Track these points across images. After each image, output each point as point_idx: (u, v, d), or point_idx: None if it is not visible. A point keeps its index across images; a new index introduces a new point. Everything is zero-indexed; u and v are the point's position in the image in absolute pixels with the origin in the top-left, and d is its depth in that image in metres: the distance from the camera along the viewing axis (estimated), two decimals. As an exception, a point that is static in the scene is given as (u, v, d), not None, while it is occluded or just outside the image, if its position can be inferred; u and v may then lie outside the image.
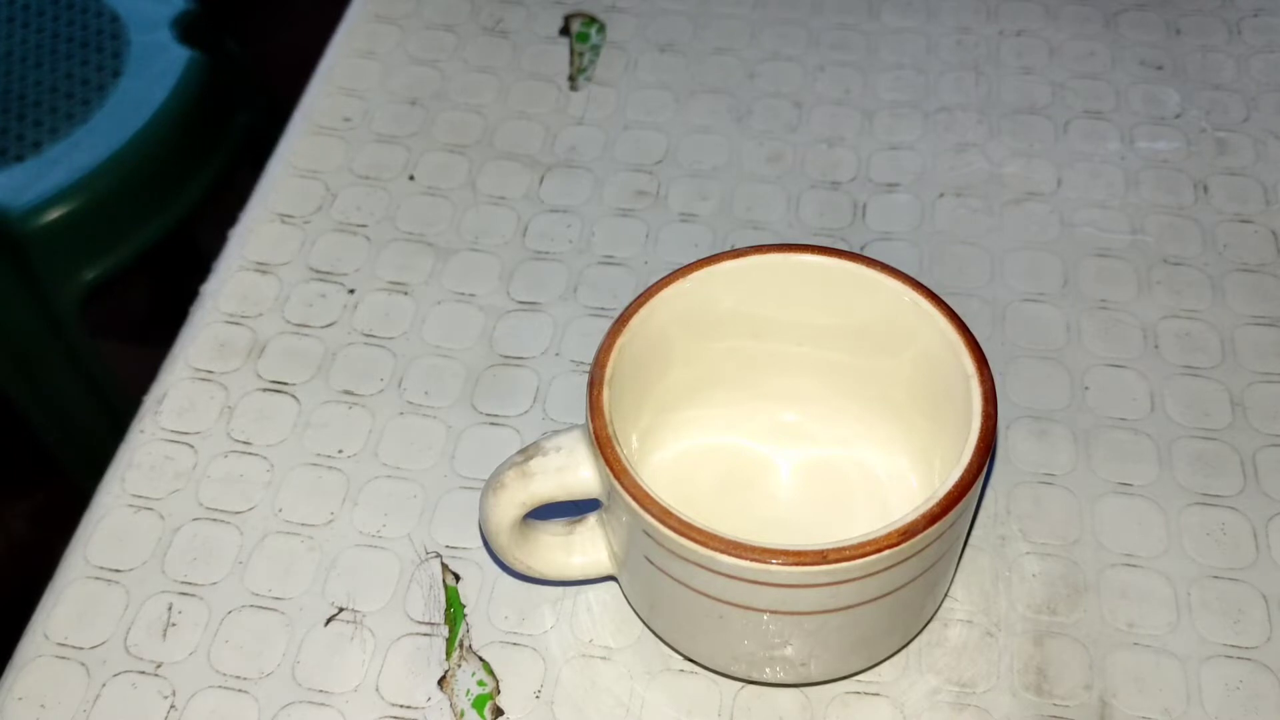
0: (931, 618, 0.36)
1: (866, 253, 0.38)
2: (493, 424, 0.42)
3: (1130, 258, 0.46)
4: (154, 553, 0.39)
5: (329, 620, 0.38)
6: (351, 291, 0.46)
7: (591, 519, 0.36)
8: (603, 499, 0.34)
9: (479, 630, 0.37)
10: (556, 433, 0.34)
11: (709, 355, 0.38)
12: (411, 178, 0.50)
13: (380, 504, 0.40)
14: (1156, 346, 0.44)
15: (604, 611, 0.38)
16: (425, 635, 0.37)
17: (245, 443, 0.42)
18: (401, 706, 0.36)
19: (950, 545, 0.33)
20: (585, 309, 0.46)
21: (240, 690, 0.36)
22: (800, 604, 0.31)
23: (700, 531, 0.30)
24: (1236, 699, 0.35)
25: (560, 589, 0.38)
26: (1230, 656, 0.36)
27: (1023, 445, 0.41)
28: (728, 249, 0.36)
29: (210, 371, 0.44)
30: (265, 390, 0.44)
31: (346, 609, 0.38)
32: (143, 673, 0.37)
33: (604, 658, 0.37)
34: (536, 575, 0.36)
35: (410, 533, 0.40)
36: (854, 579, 0.30)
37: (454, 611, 0.38)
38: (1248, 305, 0.44)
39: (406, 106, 0.53)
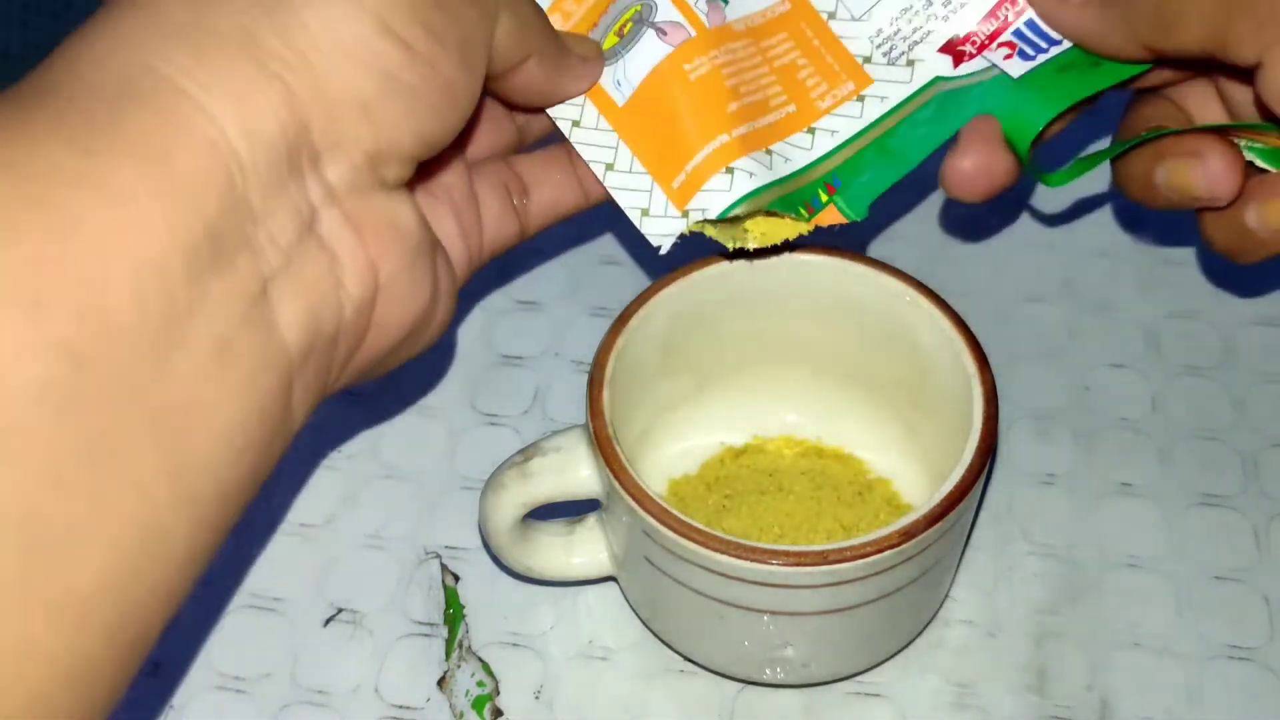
0: (932, 618, 0.36)
1: (867, 252, 0.38)
2: (493, 424, 0.42)
3: (1131, 257, 0.46)
4: (153, 553, 0.39)
5: (328, 620, 0.38)
6: (351, 291, 0.46)
7: (591, 519, 0.36)
8: (603, 499, 0.34)
9: (478, 630, 0.37)
10: (556, 433, 0.34)
11: (709, 355, 0.38)
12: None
13: (380, 504, 0.40)
14: (1157, 346, 0.43)
15: (604, 611, 0.37)
16: (424, 636, 0.37)
17: (244, 443, 0.42)
18: (400, 707, 0.36)
19: (951, 546, 0.33)
20: (585, 309, 0.45)
21: (239, 690, 0.36)
22: (801, 605, 0.31)
23: (700, 532, 0.30)
24: (1238, 699, 0.35)
25: (560, 589, 0.38)
26: (1231, 657, 0.36)
27: (1023, 445, 0.41)
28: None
29: (209, 371, 0.44)
30: (264, 390, 0.43)
31: (346, 609, 0.38)
32: (141, 673, 0.37)
33: (604, 658, 0.37)
34: (536, 575, 0.36)
35: (410, 533, 0.40)
36: (855, 579, 0.30)
37: (453, 612, 0.38)
38: (1249, 304, 0.44)
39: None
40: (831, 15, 0.34)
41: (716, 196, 0.33)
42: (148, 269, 0.22)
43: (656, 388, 0.37)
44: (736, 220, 0.33)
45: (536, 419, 0.42)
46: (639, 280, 0.46)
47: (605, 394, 0.33)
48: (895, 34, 0.34)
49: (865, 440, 0.39)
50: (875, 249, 0.46)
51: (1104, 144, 0.35)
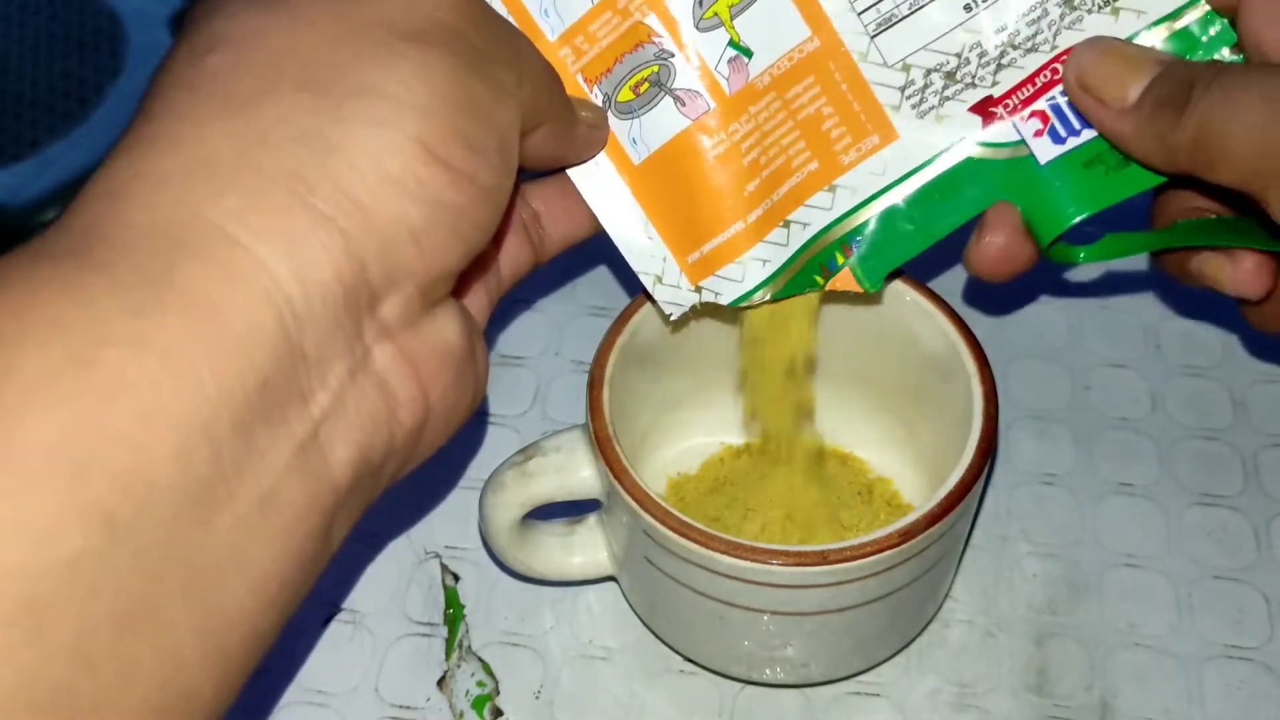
0: (932, 618, 0.36)
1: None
2: (493, 424, 0.42)
3: (1131, 257, 0.46)
4: (152, 553, 0.39)
5: (328, 620, 0.38)
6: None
7: (591, 519, 0.36)
8: (603, 499, 0.34)
9: (478, 631, 0.37)
10: (556, 433, 0.34)
11: (709, 355, 0.38)
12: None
13: (380, 504, 0.40)
14: (1157, 346, 0.43)
15: (604, 611, 0.37)
16: (424, 636, 0.37)
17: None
18: (400, 707, 0.36)
19: (951, 546, 0.33)
20: (585, 309, 0.45)
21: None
22: (801, 605, 0.31)
23: (700, 532, 0.30)
24: (1238, 699, 0.35)
25: (560, 589, 0.38)
26: (1231, 657, 0.36)
27: (1023, 445, 0.41)
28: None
29: (209, 371, 0.44)
30: (264, 390, 0.43)
31: (345, 609, 0.38)
32: (141, 673, 0.37)
33: (604, 658, 0.37)
34: (536, 575, 0.36)
35: (410, 533, 0.39)
36: (855, 580, 0.30)
37: (453, 612, 0.38)
38: (1248, 305, 0.44)
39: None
40: (863, 56, 0.32)
41: (730, 285, 0.34)
42: (194, 429, 0.22)
43: (656, 388, 0.37)
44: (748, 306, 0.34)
45: (536, 419, 0.42)
46: (639, 280, 0.45)
47: (605, 394, 0.33)
48: (927, 88, 0.32)
49: (865, 440, 0.39)
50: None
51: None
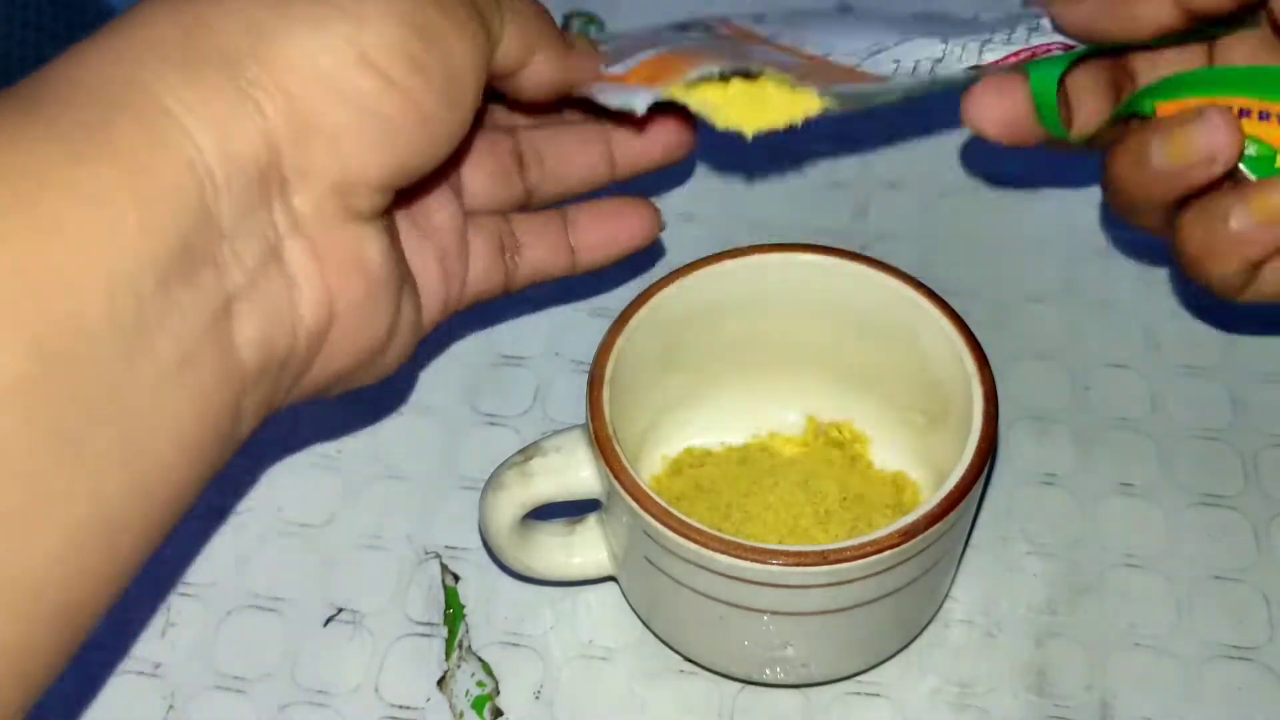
0: (932, 618, 0.36)
1: (867, 252, 0.38)
2: (493, 424, 0.42)
3: (1131, 257, 0.46)
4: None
5: (328, 620, 0.38)
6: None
7: (591, 519, 0.36)
8: (603, 499, 0.34)
9: (478, 631, 0.37)
10: (556, 433, 0.34)
11: (709, 355, 0.38)
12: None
13: (380, 504, 0.40)
14: (1157, 346, 0.43)
15: (604, 611, 0.37)
16: (424, 636, 0.37)
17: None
18: (400, 707, 0.36)
19: (951, 546, 0.33)
20: (585, 309, 0.45)
21: (239, 691, 0.36)
22: (801, 605, 0.31)
23: (700, 532, 0.30)
24: (1238, 699, 0.35)
25: (560, 589, 0.38)
26: (1231, 657, 0.36)
27: (1023, 445, 0.41)
28: (728, 249, 0.36)
29: (209, 371, 0.44)
30: (264, 390, 0.43)
31: (345, 609, 0.38)
32: (141, 673, 0.37)
33: (604, 658, 0.37)
34: (536, 575, 0.36)
35: (410, 533, 0.39)
36: (855, 580, 0.30)
37: (453, 612, 0.38)
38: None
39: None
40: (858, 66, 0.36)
41: (698, 71, 0.33)
42: (121, 277, 0.24)
43: (656, 388, 0.37)
44: (718, 83, 0.33)
45: (536, 419, 0.42)
46: (639, 280, 0.45)
47: (605, 394, 0.33)
48: (917, 68, 0.35)
49: (865, 439, 0.39)
50: (875, 249, 0.46)
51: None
